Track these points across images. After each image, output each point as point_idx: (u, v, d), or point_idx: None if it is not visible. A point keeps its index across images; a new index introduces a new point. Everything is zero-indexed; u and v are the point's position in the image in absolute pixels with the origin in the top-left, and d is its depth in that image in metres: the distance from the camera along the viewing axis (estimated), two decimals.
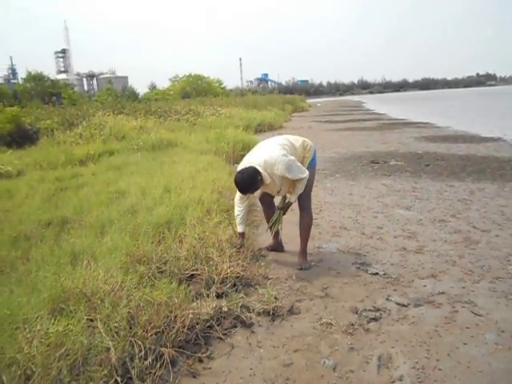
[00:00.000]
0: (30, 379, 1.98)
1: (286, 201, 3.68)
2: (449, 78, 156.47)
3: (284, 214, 3.79)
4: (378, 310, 2.92)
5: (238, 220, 3.72)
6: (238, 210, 3.69)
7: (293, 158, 3.40)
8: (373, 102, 50.35)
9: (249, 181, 3.33)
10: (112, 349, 2.17)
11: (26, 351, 2.08)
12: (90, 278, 2.81)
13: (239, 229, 3.73)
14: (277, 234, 3.97)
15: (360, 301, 3.06)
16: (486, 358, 2.37)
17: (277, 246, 4.04)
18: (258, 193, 3.79)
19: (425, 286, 3.24)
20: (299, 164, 3.45)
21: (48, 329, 2.22)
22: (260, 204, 3.99)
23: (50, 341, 2.13)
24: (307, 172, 3.46)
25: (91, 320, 2.43)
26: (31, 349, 2.09)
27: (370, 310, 2.91)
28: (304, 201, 3.70)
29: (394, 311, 2.90)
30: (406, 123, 18.74)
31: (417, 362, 2.36)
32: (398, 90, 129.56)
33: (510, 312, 2.82)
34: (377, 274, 3.47)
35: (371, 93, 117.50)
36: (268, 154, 3.40)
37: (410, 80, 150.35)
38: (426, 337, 2.59)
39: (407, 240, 4.20)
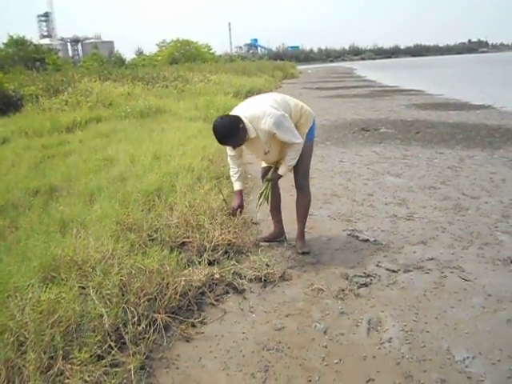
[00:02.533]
0: (23, 345, 1.99)
1: (276, 172, 3.23)
2: (441, 45, 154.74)
3: (273, 186, 3.33)
4: (369, 275, 2.96)
5: (233, 178, 3.31)
6: (232, 169, 3.29)
7: (285, 114, 2.97)
8: (364, 69, 49.74)
9: (228, 127, 2.89)
10: (105, 315, 2.18)
11: (18, 318, 2.07)
12: (80, 246, 2.79)
13: (236, 186, 3.30)
14: (280, 220, 3.56)
15: (351, 267, 3.09)
16: (473, 321, 2.43)
17: (278, 235, 3.57)
18: (259, 170, 3.51)
19: (414, 252, 3.28)
20: (293, 125, 3.02)
21: (40, 296, 2.21)
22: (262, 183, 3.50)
23: (42, 308, 2.13)
24: (301, 139, 3.04)
25: (83, 288, 2.43)
26: (23, 316, 2.08)
27: (361, 276, 2.95)
28: (301, 179, 3.29)
29: (383, 277, 2.94)
30: (397, 90, 18.62)
31: (405, 325, 2.41)
32: (389, 57, 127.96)
33: (497, 277, 2.88)
34: (367, 240, 3.50)
35: (363, 59, 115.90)
36: (256, 106, 3.01)
37: (402, 46, 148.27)
38: (415, 301, 2.64)
39: (398, 207, 4.23)
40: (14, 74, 17.19)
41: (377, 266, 3.09)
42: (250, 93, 16.00)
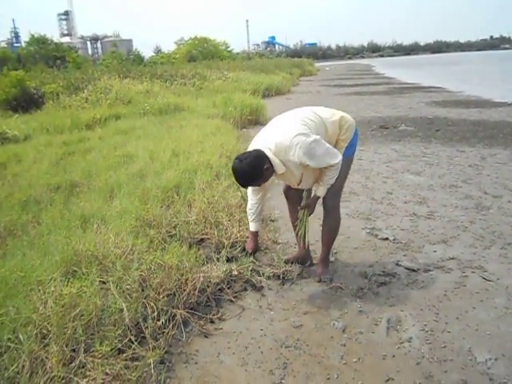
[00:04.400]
0: (46, 338, 2.03)
1: (312, 194, 2.77)
2: (462, 41, 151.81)
3: (311, 213, 2.83)
4: (388, 274, 2.93)
5: (249, 216, 2.93)
6: (251, 203, 2.91)
7: (317, 137, 2.46)
8: (383, 66, 49.18)
9: (250, 171, 2.45)
10: (125, 310, 2.21)
11: (41, 311, 2.11)
12: (100, 241, 2.83)
13: (251, 227, 2.95)
14: (304, 243, 3.09)
15: (370, 265, 3.06)
16: (495, 322, 2.39)
17: (304, 258, 3.11)
18: (282, 185, 3.05)
19: (435, 251, 3.24)
20: (327, 145, 2.52)
21: (62, 290, 2.25)
22: (285, 199, 3.08)
23: (65, 302, 2.16)
24: (340, 156, 2.54)
25: (104, 282, 2.46)
26: (46, 309, 2.12)
27: (380, 275, 2.92)
28: (330, 200, 2.77)
29: (403, 276, 2.91)
30: (416, 87, 18.36)
31: (426, 325, 2.38)
32: (409, 54, 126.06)
33: None
34: (387, 239, 3.46)
35: (381, 56, 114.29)
36: (282, 133, 2.50)
37: (422, 43, 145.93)
38: (436, 301, 2.61)
39: (417, 205, 4.17)
40: (36, 72, 17.51)
41: (396, 264, 3.06)
42: (267, 90, 15.98)
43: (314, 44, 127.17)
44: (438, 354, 2.16)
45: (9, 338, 1.97)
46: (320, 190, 2.66)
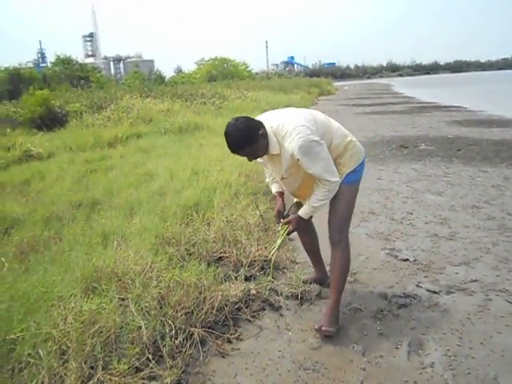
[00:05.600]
0: (65, 354, 2.04)
1: (297, 212, 2.52)
2: (482, 61, 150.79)
3: (291, 232, 2.58)
4: (408, 296, 2.87)
5: (270, 184, 2.79)
6: (267, 174, 2.81)
7: (322, 141, 2.27)
8: (402, 86, 49.07)
9: (243, 133, 2.25)
10: (143, 327, 2.21)
11: (61, 327, 2.13)
12: (120, 258, 2.86)
13: (274, 189, 2.74)
14: (320, 263, 3.03)
15: (389, 287, 3.01)
16: None
17: (322, 279, 3.02)
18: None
19: (457, 273, 3.16)
20: (329, 158, 2.31)
21: (82, 307, 2.27)
22: None
23: (84, 318, 2.18)
24: (338, 179, 2.33)
25: (123, 299, 2.48)
26: (66, 325, 2.14)
27: (400, 297, 2.87)
28: (336, 233, 2.51)
29: (424, 298, 2.85)
30: (436, 107, 18.22)
31: (449, 350, 2.31)
32: (428, 73, 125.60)
33: None
34: (407, 260, 3.40)
35: (400, 76, 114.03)
36: (288, 117, 2.36)
37: (442, 62, 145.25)
38: (459, 324, 2.54)
39: (439, 226, 4.10)
40: (60, 91, 18.07)
41: (417, 286, 3.00)
42: None
43: (333, 64, 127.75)
44: (461, 380, 2.09)
45: (29, 354, 2.00)
46: (303, 209, 2.44)
